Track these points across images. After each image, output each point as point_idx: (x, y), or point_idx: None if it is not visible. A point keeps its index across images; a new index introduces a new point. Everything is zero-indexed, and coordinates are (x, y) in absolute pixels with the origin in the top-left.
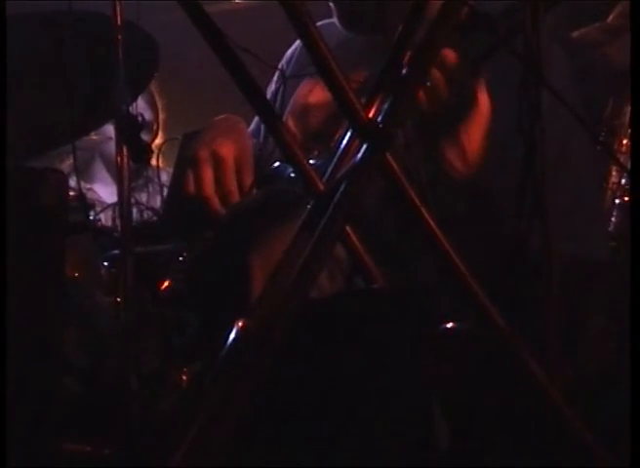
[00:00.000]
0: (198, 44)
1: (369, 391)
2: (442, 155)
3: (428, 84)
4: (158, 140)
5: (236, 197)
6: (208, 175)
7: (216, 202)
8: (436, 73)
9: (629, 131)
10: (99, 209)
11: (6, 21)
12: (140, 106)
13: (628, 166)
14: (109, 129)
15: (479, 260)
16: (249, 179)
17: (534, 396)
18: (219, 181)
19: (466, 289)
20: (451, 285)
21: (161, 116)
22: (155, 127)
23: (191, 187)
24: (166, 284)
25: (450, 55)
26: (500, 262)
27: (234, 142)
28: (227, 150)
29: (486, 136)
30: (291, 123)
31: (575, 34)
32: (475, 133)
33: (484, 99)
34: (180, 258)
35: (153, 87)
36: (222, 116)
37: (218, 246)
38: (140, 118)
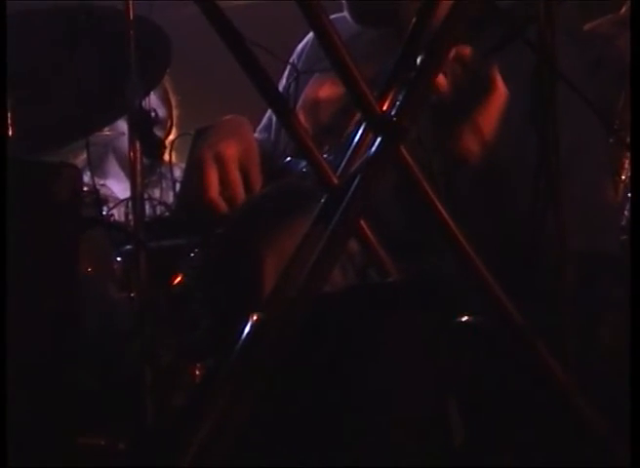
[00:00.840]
0: (211, 39)
1: (383, 385)
2: (459, 139)
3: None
4: (171, 136)
5: (242, 198)
6: (212, 177)
7: (221, 204)
8: (451, 62)
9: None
10: (112, 204)
11: (6, 22)
12: (154, 103)
13: None
14: (122, 124)
15: (494, 247)
16: (256, 179)
17: (550, 391)
18: (224, 183)
19: (481, 282)
20: (466, 278)
21: (175, 113)
22: (169, 124)
23: (196, 190)
24: (178, 279)
25: (465, 50)
26: (515, 252)
27: (238, 143)
28: (231, 151)
29: (501, 121)
30: (302, 118)
31: (586, 26)
32: (491, 117)
33: (499, 85)
34: (192, 254)
35: (167, 83)
36: (227, 117)
37: (229, 240)
38: (152, 113)
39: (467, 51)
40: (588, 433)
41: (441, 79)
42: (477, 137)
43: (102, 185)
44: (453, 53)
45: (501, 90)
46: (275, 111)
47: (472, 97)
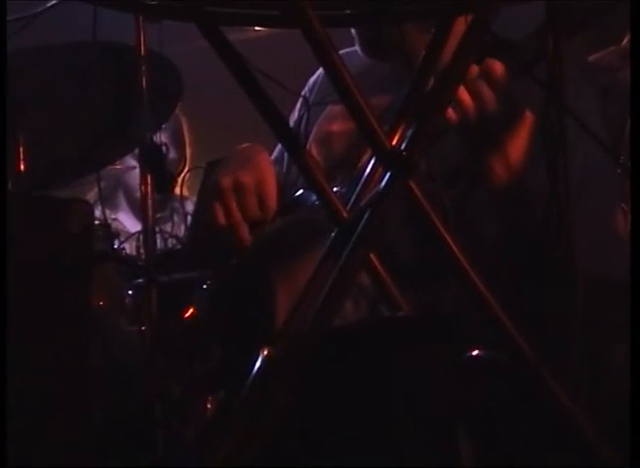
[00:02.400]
0: (221, 73)
1: (393, 418)
2: (486, 164)
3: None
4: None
5: (260, 224)
6: (233, 203)
7: (244, 230)
8: (483, 85)
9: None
10: (123, 238)
11: (6, 22)
12: (167, 142)
13: None
14: (131, 158)
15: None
16: (272, 207)
17: (560, 422)
18: (241, 209)
19: (491, 315)
20: (475, 311)
21: (188, 151)
22: (182, 164)
23: (219, 217)
24: (190, 312)
25: (496, 65)
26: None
27: (256, 170)
28: (249, 179)
29: (528, 147)
30: (314, 150)
31: (590, 58)
32: (520, 143)
33: (527, 112)
34: (204, 287)
35: (183, 122)
36: (244, 145)
37: (241, 274)
38: (163, 148)
39: (497, 66)
40: (599, 465)
41: (450, 113)
42: (505, 163)
43: (114, 219)
44: (482, 67)
45: (529, 116)
46: (285, 145)
47: (502, 123)
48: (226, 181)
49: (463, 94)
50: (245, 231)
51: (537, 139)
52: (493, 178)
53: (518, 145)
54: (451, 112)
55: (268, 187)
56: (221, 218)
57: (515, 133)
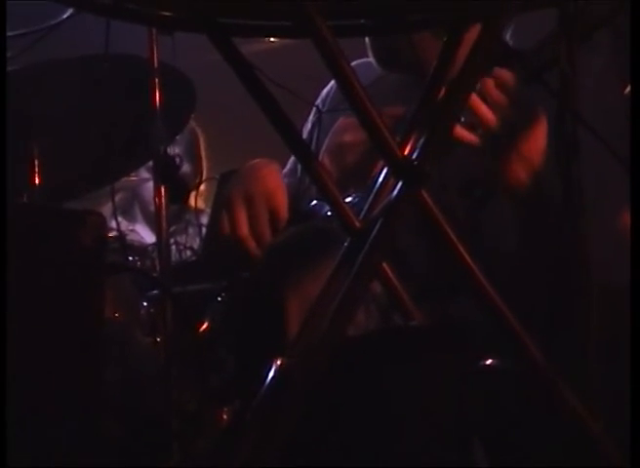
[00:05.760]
0: (234, 84)
1: (407, 428)
2: (509, 170)
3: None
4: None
5: (268, 238)
6: (242, 216)
7: (251, 243)
8: (497, 93)
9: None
10: (139, 249)
11: (5, 22)
12: (182, 155)
13: None
14: (145, 171)
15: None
16: (283, 219)
17: (574, 432)
18: (252, 222)
19: (504, 324)
20: (488, 320)
21: (204, 164)
22: (198, 177)
23: (226, 229)
24: (205, 325)
25: (505, 74)
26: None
27: (266, 184)
28: (259, 192)
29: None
30: (327, 161)
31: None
32: (539, 145)
33: (542, 115)
34: (219, 299)
35: (200, 134)
36: (256, 160)
37: (254, 284)
38: (177, 159)
39: (506, 74)
40: None
41: (489, 113)
42: (525, 165)
43: (132, 231)
44: (492, 77)
45: (544, 120)
46: (298, 156)
47: (518, 126)
48: (237, 195)
49: (480, 105)
50: (253, 245)
51: (551, 146)
52: (516, 184)
53: (538, 148)
54: (468, 134)
55: (279, 200)
56: (228, 230)
57: (534, 135)
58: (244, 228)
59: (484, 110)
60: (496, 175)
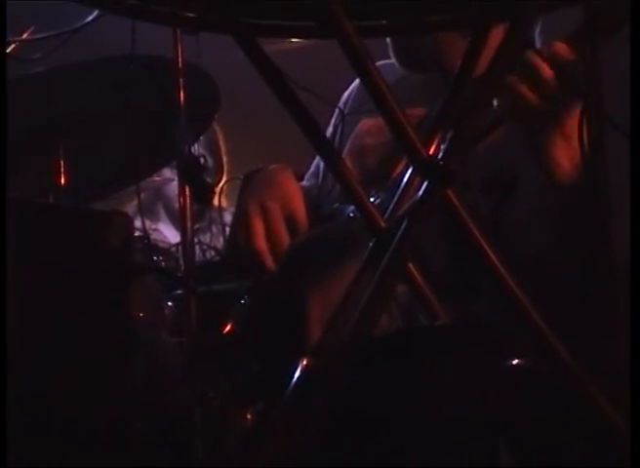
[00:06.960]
0: (259, 84)
1: (433, 428)
2: (551, 156)
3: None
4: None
5: (285, 247)
6: (259, 228)
7: (268, 258)
8: (545, 67)
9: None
10: (163, 249)
11: (6, 23)
12: (203, 152)
13: None
14: (169, 171)
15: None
16: (302, 225)
17: (602, 431)
18: (269, 234)
19: (530, 325)
20: (514, 320)
21: (225, 160)
22: (219, 175)
23: (243, 242)
24: (228, 327)
25: (561, 47)
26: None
27: (282, 192)
28: (275, 201)
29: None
30: (349, 163)
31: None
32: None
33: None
34: (242, 301)
35: (218, 131)
36: (269, 167)
37: (277, 285)
38: (201, 159)
39: (562, 47)
40: None
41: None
42: (569, 152)
43: (155, 230)
44: (547, 49)
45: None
46: (322, 156)
47: (565, 108)
48: (252, 206)
49: (520, 85)
50: (270, 260)
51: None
52: (558, 172)
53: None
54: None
55: (295, 205)
56: (244, 243)
57: (576, 114)
58: (260, 242)
59: (522, 89)
60: (537, 161)
